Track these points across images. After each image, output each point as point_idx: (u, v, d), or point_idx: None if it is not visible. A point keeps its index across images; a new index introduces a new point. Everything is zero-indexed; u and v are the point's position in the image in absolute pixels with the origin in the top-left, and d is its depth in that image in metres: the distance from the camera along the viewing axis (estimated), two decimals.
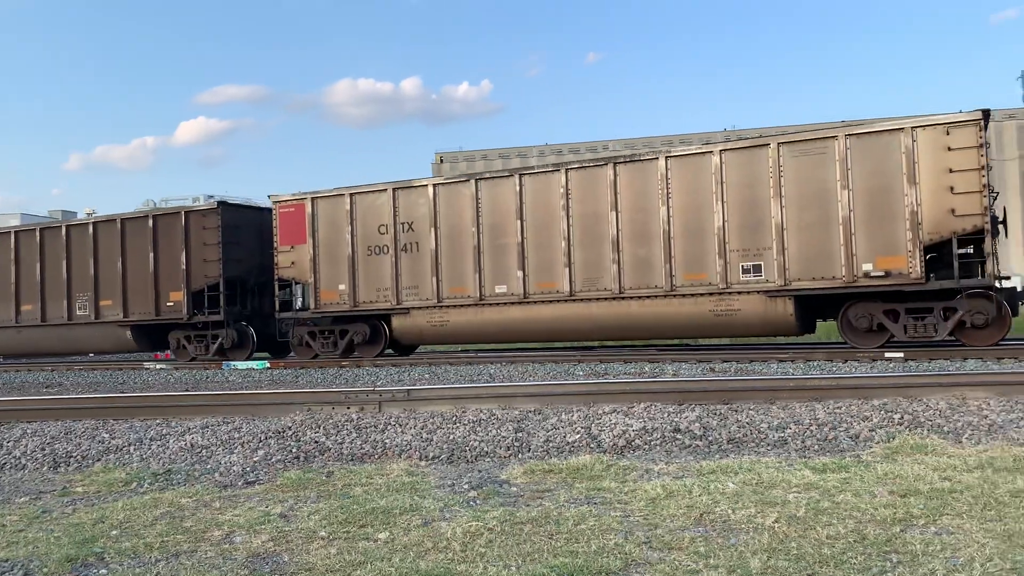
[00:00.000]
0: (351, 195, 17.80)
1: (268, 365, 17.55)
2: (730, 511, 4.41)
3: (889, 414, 6.83)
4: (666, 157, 15.08)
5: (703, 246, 14.81)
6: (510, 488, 5.33)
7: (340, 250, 17.86)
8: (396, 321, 17.36)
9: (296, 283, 18.55)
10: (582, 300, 15.77)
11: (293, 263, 18.40)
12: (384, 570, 3.65)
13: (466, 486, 5.41)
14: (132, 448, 7.17)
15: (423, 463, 6.38)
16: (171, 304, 19.49)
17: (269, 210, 19.33)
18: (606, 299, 15.58)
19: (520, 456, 6.45)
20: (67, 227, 21.13)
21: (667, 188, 15.04)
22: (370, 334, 17.75)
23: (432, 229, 16.94)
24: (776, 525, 4.11)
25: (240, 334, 19.27)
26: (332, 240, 17.96)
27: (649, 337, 16.40)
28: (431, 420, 7.51)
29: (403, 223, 17.31)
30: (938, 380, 7.94)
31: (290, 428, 7.45)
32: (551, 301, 16.02)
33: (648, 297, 15.22)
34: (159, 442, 7.31)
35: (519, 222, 16.28)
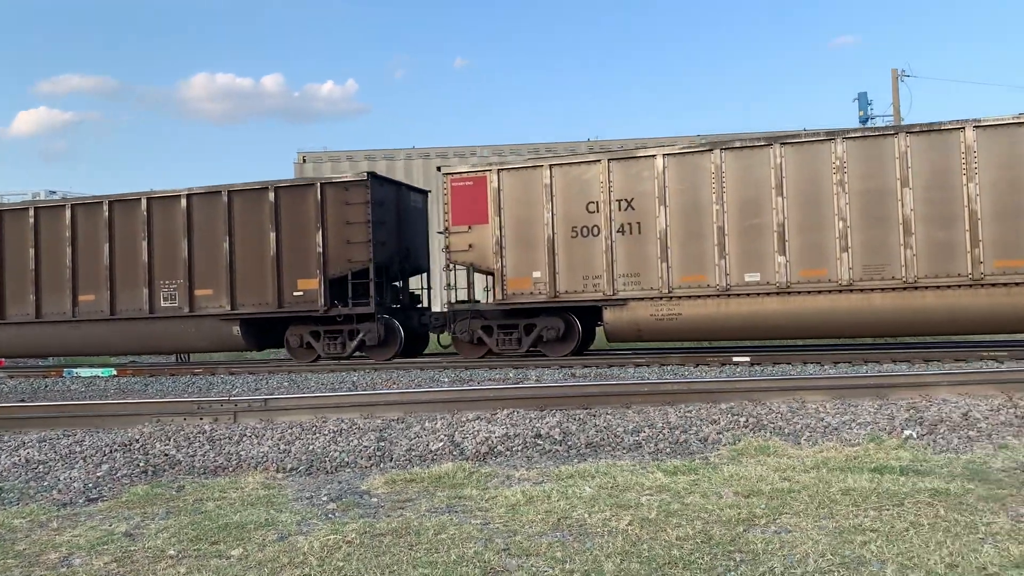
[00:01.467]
0: (551, 167, 15.26)
1: (115, 373, 16.61)
2: (587, 515, 4.53)
3: (735, 417, 7.20)
4: (974, 127, 13.19)
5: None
6: (371, 499, 5.27)
7: (534, 231, 15.29)
8: (609, 314, 14.91)
9: (474, 269, 15.96)
10: (860, 291, 13.67)
11: (471, 246, 15.67)
12: None
13: (325, 498, 5.31)
14: None
15: (280, 475, 6.22)
16: (299, 294, 16.28)
17: (407, 186, 17.29)
18: (893, 289, 13.52)
19: (382, 466, 6.39)
20: (148, 200, 17.30)
21: (971, 163, 13.13)
22: (564, 330, 15.43)
23: (660, 207, 14.61)
24: (629, 528, 4.25)
25: (387, 329, 16.35)
26: (524, 219, 15.36)
27: (944, 333, 14.56)
28: (289, 430, 7.33)
29: (620, 200, 14.86)
30: (781, 384, 8.43)
31: (138, 440, 7.09)
32: (819, 292, 13.87)
33: (948, 287, 13.27)
34: None
35: (780, 199, 14.08)
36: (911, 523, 4.15)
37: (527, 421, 7.30)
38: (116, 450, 6.81)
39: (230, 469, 6.42)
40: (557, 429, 7.00)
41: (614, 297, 14.87)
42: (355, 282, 16.18)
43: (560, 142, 30.50)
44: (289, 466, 6.40)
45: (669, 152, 14.75)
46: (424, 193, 18.88)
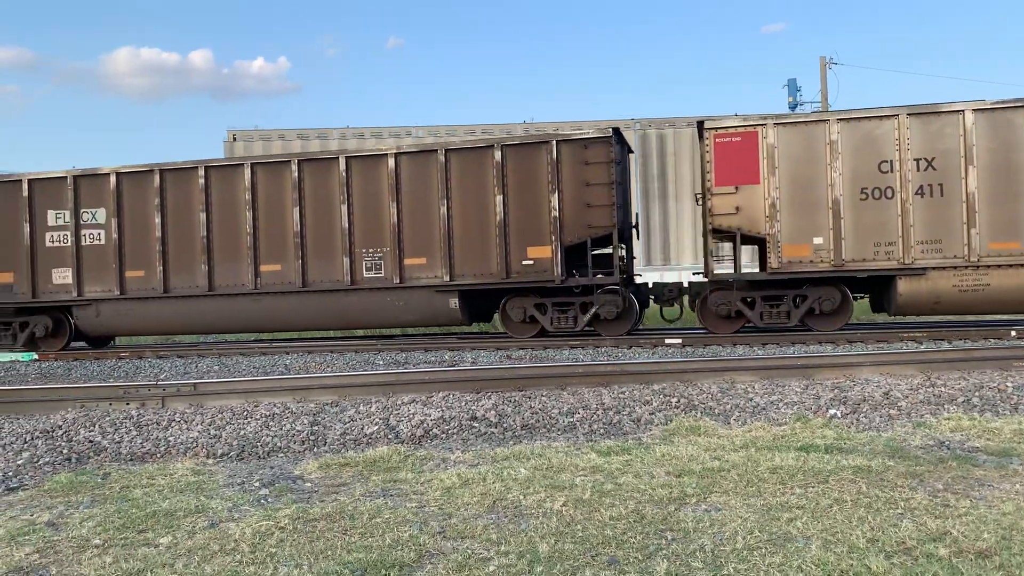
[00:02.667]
0: (837, 120, 13.91)
1: (36, 357, 16.05)
2: (522, 497, 4.56)
3: (667, 398, 7.33)
4: None
5: None
6: (304, 484, 5.22)
7: (815, 193, 13.95)
8: (905, 284, 13.57)
9: (740, 235, 14.35)
10: None
11: (738, 209, 14.21)
12: None
13: (257, 484, 5.23)
14: None
15: (211, 461, 6.10)
16: (529, 263, 14.77)
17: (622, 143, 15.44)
18: None
19: (316, 450, 6.32)
20: (346, 159, 15.49)
21: None
22: (840, 302, 14.13)
23: (967, 166, 13.41)
24: (564, 509, 4.30)
25: (625, 302, 14.78)
26: (802, 179, 13.99)
27: None
28: (220, 415, 7.20)
29: (919, 159, 13.65)
30: (711, 365, 8.61)
31: (60, 427, 6.87)
32: None
33: None
34: None
35: None
36: (835, 500, 4.29)
37: (463, 403, 7.31)
38: (38, 437, 6.59)
39: (158, 455, 6.28)
40: (493, 411, 7.03)
41: (911, 266, 13.59)
42: (596, 251, 14.93)
43: (498, 123, 30.41)
44: (220, 451, 6.29)
45: (978, 108, 13.61)
46: (631, 152, 17.55)
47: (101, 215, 16.48)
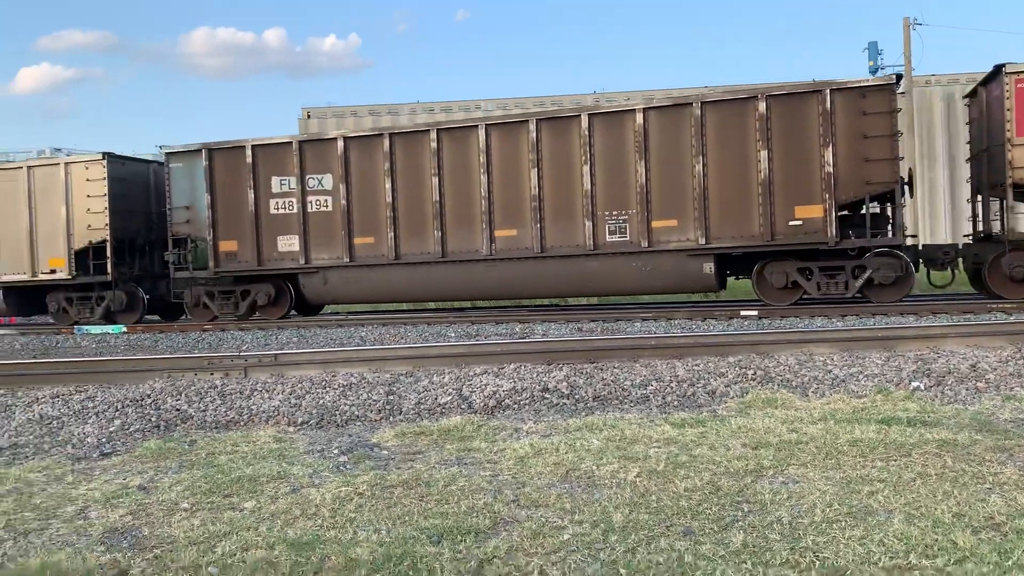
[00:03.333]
0: None
1: (125, 329, 16.72)
2: (595, 467, 4.57)
3: (743, 370, 7.21)
4: None
5: None
6: (381, 451, 5.32)
7: None
8: None
9: None
10: None
11: None
12: (250, 540, 3.59)
13: (336, 451, 5.36)
14: None
15: (291, 429, 6.28)
16: (797, 223, 13.62)
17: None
18: None
19: (391, 419, 6.44)
20: (588, 117, 14.59)
21: None
22: None
23: None
24: (638, 480, 4.28)
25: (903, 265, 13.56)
26: None
27: None
28: (299, 385, 7.38)
29: None
30: (788, 337, 8.44)
31: (149, 396, 7.15)
32: None
33: None
34: (3, 414, 6.87)
35: None
36: (918, 473, 4.17)
37: (534, 375, 7.34)
38: (128, 405, 6.87)
39: (242, 423, 6.49)
40: (564, 383, 7.04)
41: None
42: (875, 210, 14.00)
43: (568, 94, 30.14)
44: (300, 420, 6.46)
45: None
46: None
47: (328, 181, 16.13)
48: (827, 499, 3.81)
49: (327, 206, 16.15)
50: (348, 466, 4.94)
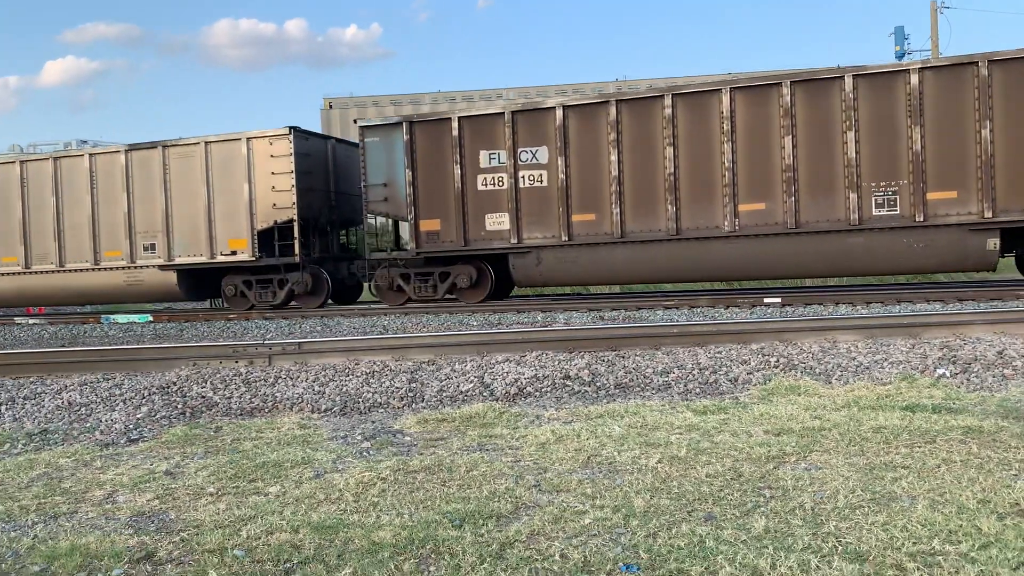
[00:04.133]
0: None
1: (151, 319, 16.91)
2: (616, 453, 4.57)
3: (766, 357, 7.18)
4: None
5: None
6: (403, 438, 5.36)
7: None
8: None
9: None
10: None
11: None
12: (275, 524, 3.63)
13: (359, 437, 5.41)
14: (3, 407, 6.83)
15: (315, 416, 6.33)
16: None
17: None
18: None
19: (414, 406, 6.48)
20: (853, 78, 13.53)
21: None
22: None
23: None
24: (659, 466, 4.28)
25: None
26: None
27: None
28: (323, 373, 7.44)
29: None
30: (812, 324, 8.38)
31: (175, 383, 7.24)
32: None
33: None
34: (33, 401, 6.99)
35: None
36: (943, 460, 4.14)
37: (556, 363, 7.34)
38: (155, 393, 6.96)
39: (266, 410, 6.55)
40: (586, 370, 7.04)
41: None
42: None
43: (591, 82, 30.02)
44: (324, 407, 6.52)
45: None
46: None
47: (543, 154, 15.16)
48: (850, 485, 3.80)
49: (542, 181, 15.15)
50: (371, 452, 4.98)
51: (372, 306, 17.16)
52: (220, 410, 6.57)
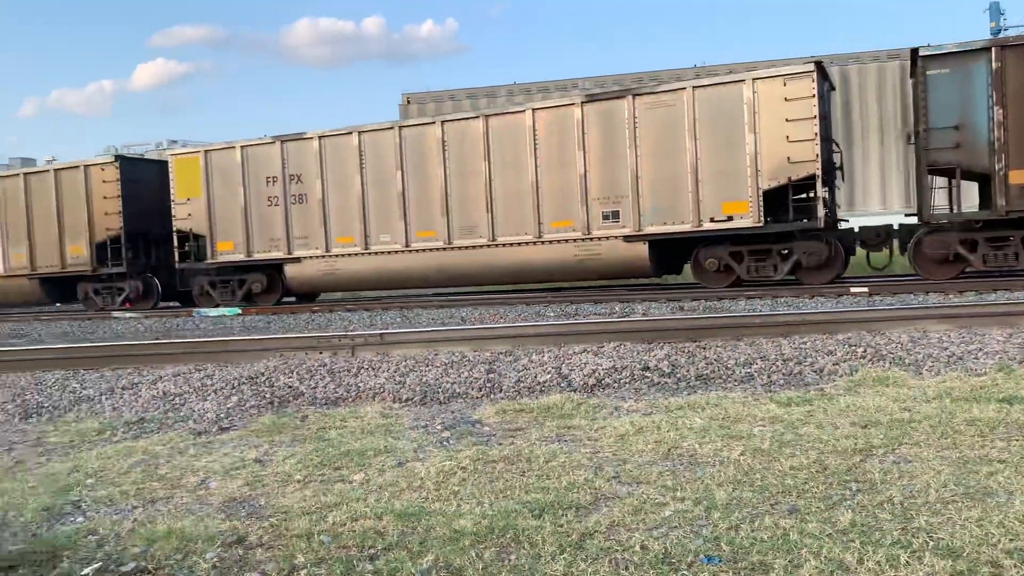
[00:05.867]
0: None
1: (240, 312, 17.47)
2: (697, 445, 4.52)
3: (853, 348, 6.98)
4: None
5: None
6: (482, 428, 5.41)
7: None
8: None
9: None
10: None
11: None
12: (359, 510, 3.72)
13: (439, 427, 5.49)
14: (104, 397, 7.16)
15: (397, 405, 6.44)
16: None
17: None
18: None
19: (492, 396, 6.53)
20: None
21: None
22: None
23: None
24: (742, 458, 4.22)
25: None
26: None
27: None
28: (404, 363, 7.56)
29: None
30: (901, 314, 8.11)
31: (263, 374, 7.46)
32: None
33: None
34: (131, 391, 7.31)
35: None
36: None
37: (634, 354, 7.29)
38: (244, 383, 7.19)
39: (350, 400, 6.70)
40: (665, 361, 6.97)
41: None
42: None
43: (669, 69, 29.60)
44: (405, 396, 6.63)
45: None
46: None
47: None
48: (942, 479, 3.67)
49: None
50: (451, 441, 5.05)
51: (450, 298, 17.34)
52: (306, 399, 6.75)
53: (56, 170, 19.19)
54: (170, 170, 18.57)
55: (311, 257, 18.03)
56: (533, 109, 16.15)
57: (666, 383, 6.57)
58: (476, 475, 4.21)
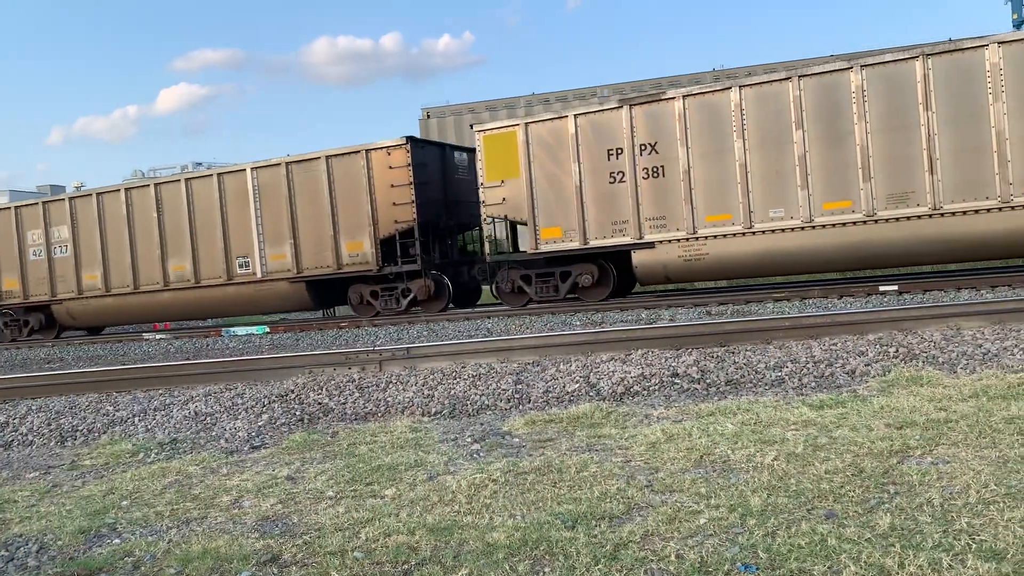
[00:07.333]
0: None
1: (268, 330, 17.59)
2: (729, 451, 4.48)
3: (884, 348, 6.89)
4: None
5: None
6: (512, 439, 5.40)
7: None
8: None
9: None
10: None
11: None
12: (392, 525, 3.72)
13: (469, 439, 5.48)
14: (137, 419, 7.23)
15: (426, 419, 6.45)
16: None
17: None
18: None
19: (521, 407, 6.51)
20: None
21: None
22: None
23: None
24: (775, 463, 4.17)
25: None
26: None
27: None
28: (431, 376, 7.57)
29: None
30: (932, 312, 7.99)
31: (293, 391, 7.50)
32: None
33: None
34: (163, 412, 7.37)
35: None
36: None
37: (663, 360, 7.25)
38: (274, 401, 7.23)
39: (379, 415, 6.72)
40: (694, 367, 6.92)
41: None
42: None
43: (684, 74, 29.57)
44: (433, 410, 6.63)
45: None
46: None
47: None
48: (982, 480, 3.60)
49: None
50: (481, 454, 5.04)
51: (475, 309, 17.35)
52: (336, 416, 6.78)
53: (328, 157, 16.81)
54: (478, 148, 16.09)
55: (669, 241, 14.96)
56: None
57: (696, 389, 6.52)
58: (507, 487, 4.19)
